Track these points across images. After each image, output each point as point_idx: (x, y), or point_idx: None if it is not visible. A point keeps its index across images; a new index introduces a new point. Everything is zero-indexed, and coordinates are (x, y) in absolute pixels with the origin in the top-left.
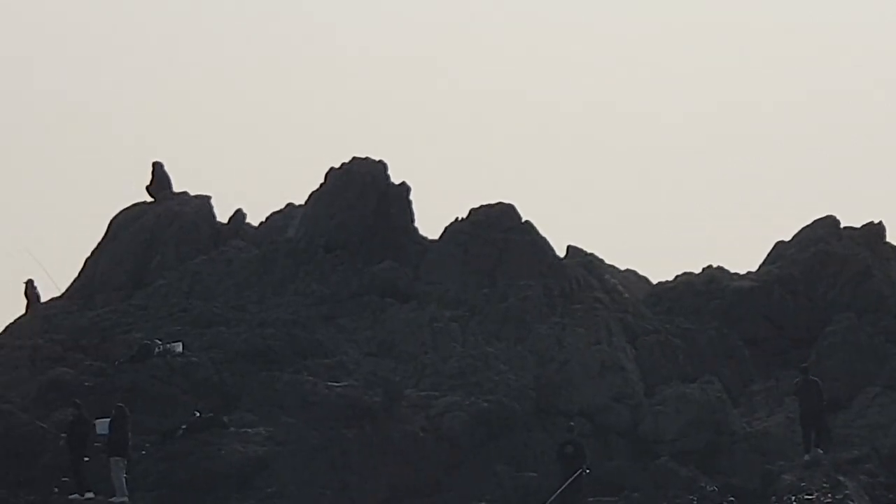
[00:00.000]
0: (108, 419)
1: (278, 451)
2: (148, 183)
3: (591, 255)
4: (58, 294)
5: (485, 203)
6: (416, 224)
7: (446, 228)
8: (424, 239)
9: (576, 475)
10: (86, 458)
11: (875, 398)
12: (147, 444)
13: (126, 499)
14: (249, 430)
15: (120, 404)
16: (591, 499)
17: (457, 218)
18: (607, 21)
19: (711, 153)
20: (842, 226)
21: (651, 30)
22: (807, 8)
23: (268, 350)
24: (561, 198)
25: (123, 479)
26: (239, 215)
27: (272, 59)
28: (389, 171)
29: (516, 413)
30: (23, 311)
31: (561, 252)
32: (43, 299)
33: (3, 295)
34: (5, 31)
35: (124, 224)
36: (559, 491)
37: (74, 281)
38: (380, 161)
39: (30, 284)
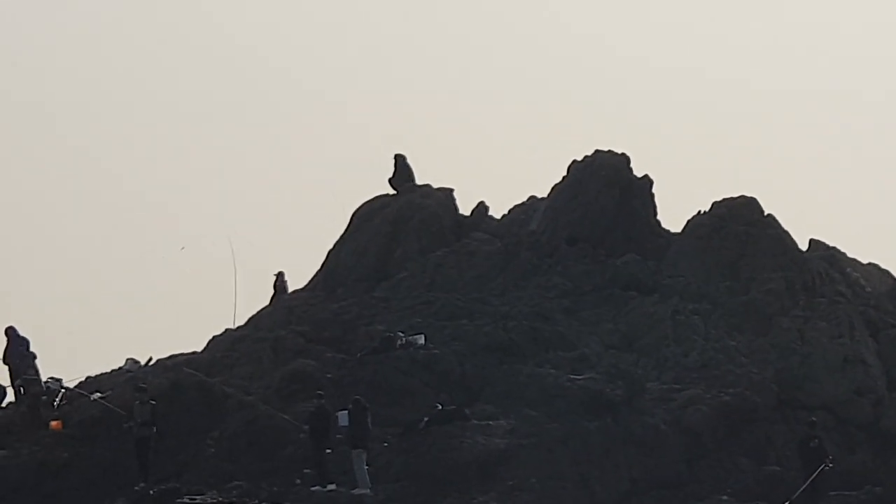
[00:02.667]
0: (348, 411)
1: (520, 443)
2: (391, 175)
3: (834, 248)
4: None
5: (727, 196)
6: (659, 217)
7: (688, 221)
8: (667, 232)
9: (819, 469)
10: (328, 450)
11: None
12: (389, 437)
13: (368, 490)
14: (491, 423)
15: (357, 397)
16: (832, 493)
17: (699, 211)
18: (852, 13)
19: None
20: None
21: None
22: None
23: (510, 343)
24: (803, 191)
25: (365, 471)
26: (481, 207)
27: (519, 53)
28: (632, 164)
29: (758, 406)
30: (266, 303)
31: (803, 245)
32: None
33: (248, 286)
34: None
35: (367, 216)
36: (803, 486)
37: (317, 272)
38: (622, 154)
39: (279, 277)
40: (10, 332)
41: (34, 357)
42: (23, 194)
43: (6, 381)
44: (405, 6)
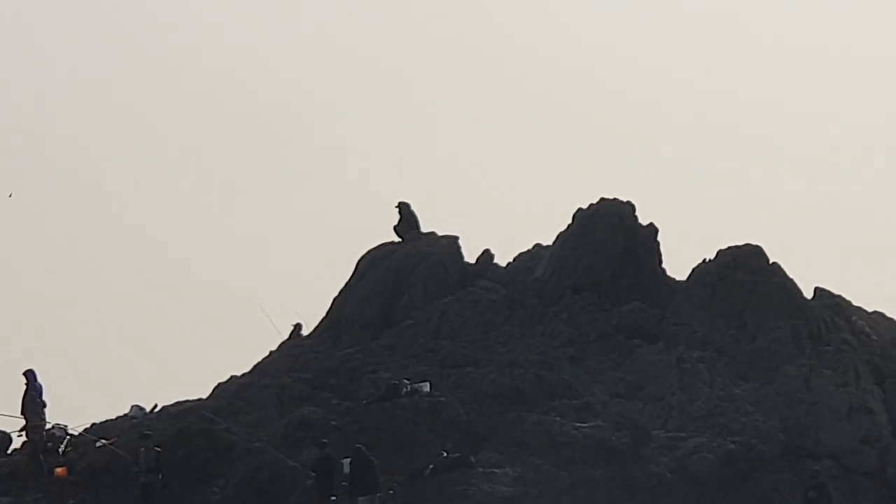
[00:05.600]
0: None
1: (526, 491)
2: (395, 223)
3: (839, 296)
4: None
5: (732, 244)
6: (664, 265)
7: (694, 270)
8: (672, 280)
9: None
10: (333, 497)
11: None
12: (395, 484)
13: None
14: (497, 471)
15: (358, 445)
16: None
17: (704, 259)
18: (858, 67)
19: None
20: None
21: None
22: None
23: (515, 390)
24: (809, 239)
25: None
26: (487, 255)
27: (521, 102)
28: (637, 212)
29: (764, 455)
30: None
31: (809, 294)
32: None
33: (252, 333)
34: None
35: (372, 263)
36: None
37: (322, 320)
38: (627, 202)
39: (297, 328)
40: (30, 375)
41: (44, 405)
42: (33, 234)
43: (10, 427)
44: (410, 52)
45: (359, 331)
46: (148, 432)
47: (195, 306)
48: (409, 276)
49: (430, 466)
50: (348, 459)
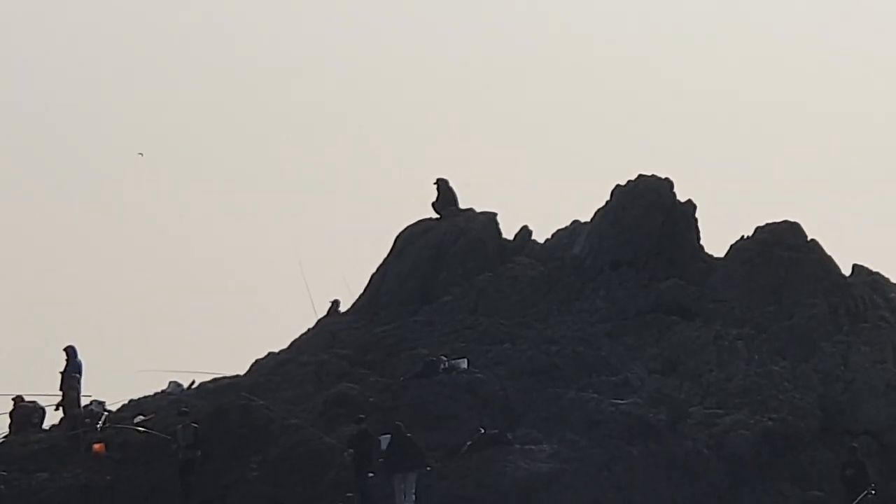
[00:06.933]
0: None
1: (563, 468)
2: (434, 199)
3: (877, 273)
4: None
5: (770, 221)
6: (702, 242)
7: (732, 246)
8: (710, 257)
9: (861, 497)
10: (370, 475)
11: None
12: (432, 461)
13: None
14: (534, 447)
15: (397, 422)
16: None
17: (742, 236)
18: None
19: None
20: None
21: None
22: None
23: (553, 367)
24: (846, 216)
25: (404, 496)
26: (525, 232)
27: (560, 77)
28: (676, 189)
29: (801, 432)
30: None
31: (846, 270)
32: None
33: (290, 310)
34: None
35: (410, 240)
36: None
37: (360, 296)
38: (666, 178)
39: (335, 304)
40: (70, 351)
41: (79, 381)
42: (76, 209)
43: (46, 403)
44: (452, 26)
45: (397, 307)
46: (185, 409)
47: (233, 282)
48: (448, 253)
49: (468, 443)
50: (387, 436)
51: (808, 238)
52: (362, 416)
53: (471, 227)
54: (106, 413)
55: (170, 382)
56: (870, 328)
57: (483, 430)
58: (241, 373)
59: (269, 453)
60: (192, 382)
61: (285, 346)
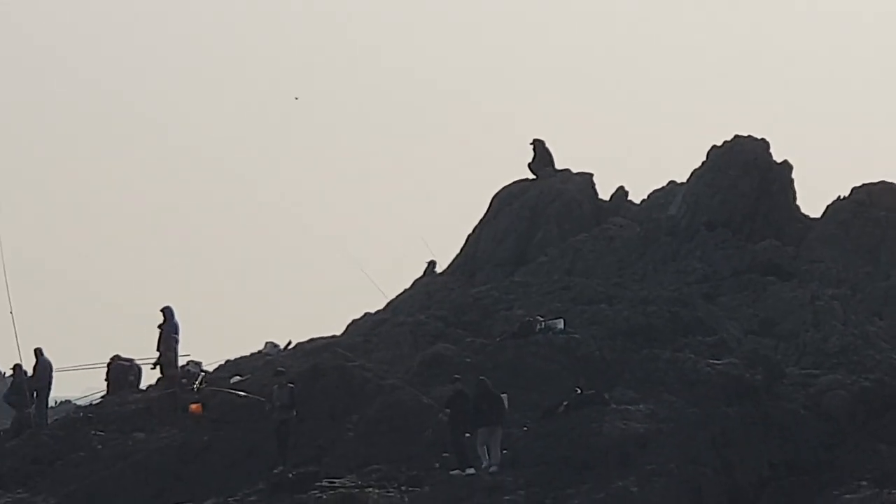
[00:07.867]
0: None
1: (659, 428)
2: (530, 160)
3: None
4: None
5: (867, 182)
6: (798, 202)
7: (828, 207)
8: (806, 217)
9: None
10: (467, 434)
11: None
12: (528, 421)
13: (473, 470)
14: (630, 408)
15: (482, 377)
16: None
17: (839, 196)
18: None
19: None
20: None
21: None
22: None
23: (649, 327)
24: None
25: (487, 449)
26: (621, 192)
27: (655, 42)
28: (772, 149)
29: None
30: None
31: None
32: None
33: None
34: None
35: (507, 201)
36: None
37: (457, 257)
38: (762, 139)
39: (431, 265)
40: (167, 312)
41: (177, 342)
42: (176, 176)
43: (143, 363)
44: (551, 4)
45: (493, 268)
46: (281, 369)
47: (332, 244)
48: (544, 214)
49: (564, 403)
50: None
51: None
52: (458, 376)
53: (567, 188)
54: (203, 373)
55: (266, 343)
56: None
57: (579, 391)
58: (338, 333)
59: (365, 413)
60: (289, 343)
61: (381, 306)
